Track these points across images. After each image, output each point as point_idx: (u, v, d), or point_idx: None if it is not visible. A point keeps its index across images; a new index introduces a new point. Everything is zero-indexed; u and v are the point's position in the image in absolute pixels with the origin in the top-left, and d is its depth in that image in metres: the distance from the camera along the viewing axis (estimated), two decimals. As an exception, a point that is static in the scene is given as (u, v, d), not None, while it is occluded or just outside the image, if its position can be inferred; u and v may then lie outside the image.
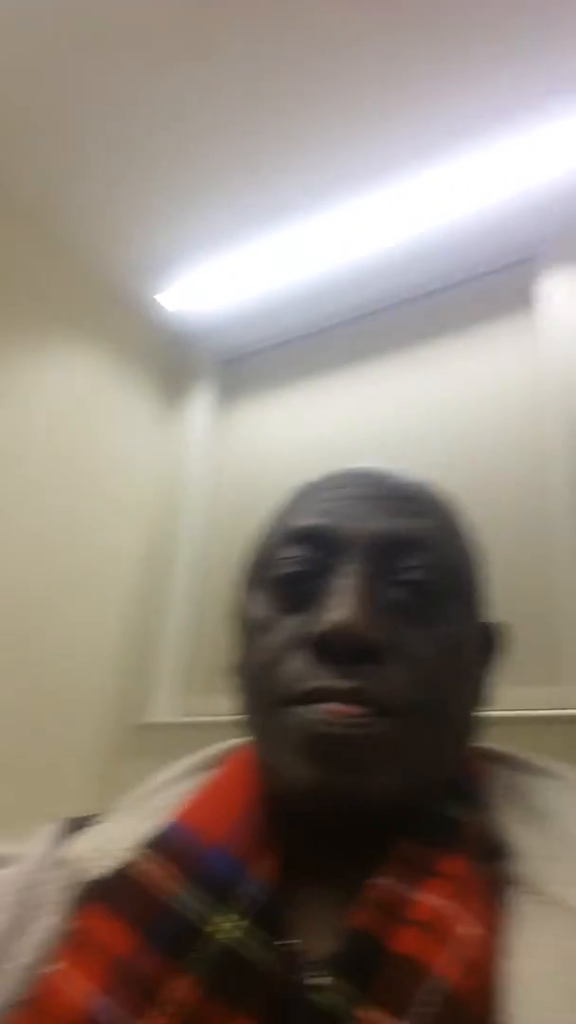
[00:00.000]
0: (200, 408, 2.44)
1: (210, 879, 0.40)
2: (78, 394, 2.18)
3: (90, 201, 2.07)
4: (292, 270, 2.22)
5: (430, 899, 0.38)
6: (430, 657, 0.44)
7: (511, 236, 2.02)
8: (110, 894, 0.40)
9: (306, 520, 0.49)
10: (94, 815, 0.51)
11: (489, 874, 0.41)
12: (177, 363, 2.57)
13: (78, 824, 0.50)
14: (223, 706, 1.83)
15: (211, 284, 2.30)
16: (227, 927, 0.37)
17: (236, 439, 2.38)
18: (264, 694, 0.45)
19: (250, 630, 0.48)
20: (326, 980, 0.35)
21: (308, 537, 0.48)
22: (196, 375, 2.51)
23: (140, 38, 1.63)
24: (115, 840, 0.45)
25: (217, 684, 2.05)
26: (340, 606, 0.42)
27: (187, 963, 0.36)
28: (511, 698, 1.50)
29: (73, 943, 0.38)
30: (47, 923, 0.41)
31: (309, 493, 0.53)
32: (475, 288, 2.11)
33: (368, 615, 0.42)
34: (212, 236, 2.14)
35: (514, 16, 1.52)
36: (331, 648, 0.42)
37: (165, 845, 0.42)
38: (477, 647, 0.50)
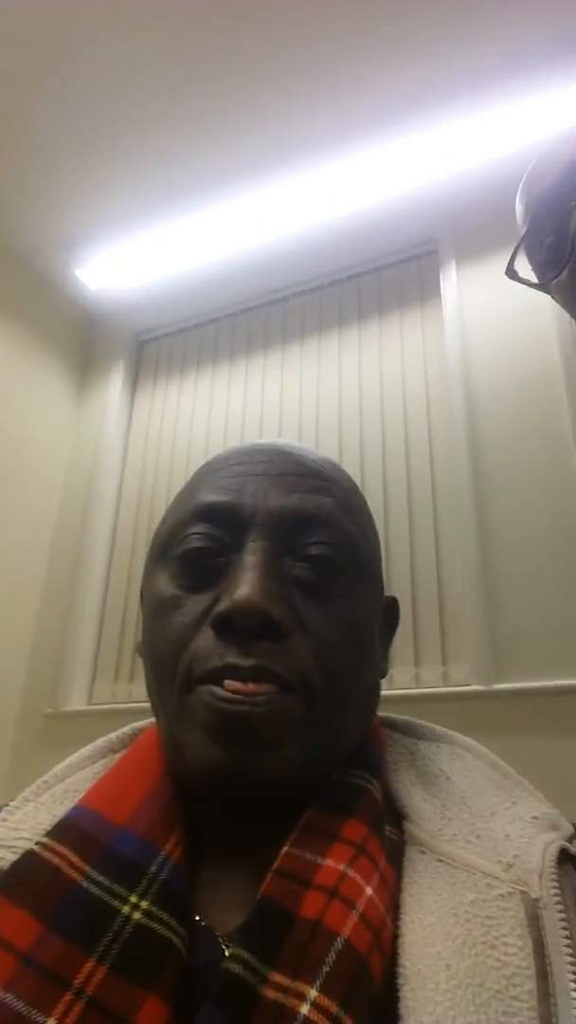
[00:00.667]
0: (114, 388, 2.40)
1: (116, 861, 0.39)
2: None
3: (9, 172, 1.99)
4: (208, 252, 2.21)
5: (334, 864, 0.38)
6: (331, 633, 0.44)
7: (417, 228, 2.07)
8: (12, 885, 0.38)
9: (210, 496, 0.48)
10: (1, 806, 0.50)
11: (389, 836, 0.43)
12: (92, 341, 2.53)
13: None
14: (133, 693, 1.84)
15: (129, 262, 2.26)
16: (135, 907, 0.37)
17: (151, 420, 2.36)
18: (169, 673, 0.44)
19: (156, 608, 0.47)
20: (236, 951, 0.35)
21: (212, 514, 0.47)
22: (111, 354, 2.47)
23: (63, 11, 1.57)
24: (18, 829, 0.45)
25: (126, 672, 2.05)
26: (243, 584, 0.42)
27: (95, 947, 0.35)
28: (409, 677, 1.59)
29: None
30: None
31: (213, 469, 0.52)
32: (383, 277, 2.15)
33: (270, 592, 0.42)
34: (131, 214, 2.11)
35: (426, 10, 1.55)
36: (234, 626, 0.42)
37: (69, 830, 0.41)
38: (377, 621, 0.51)
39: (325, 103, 1.77)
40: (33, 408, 2.26)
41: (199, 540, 0.47)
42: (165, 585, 0.47)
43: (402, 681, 1.60)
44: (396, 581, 1.70)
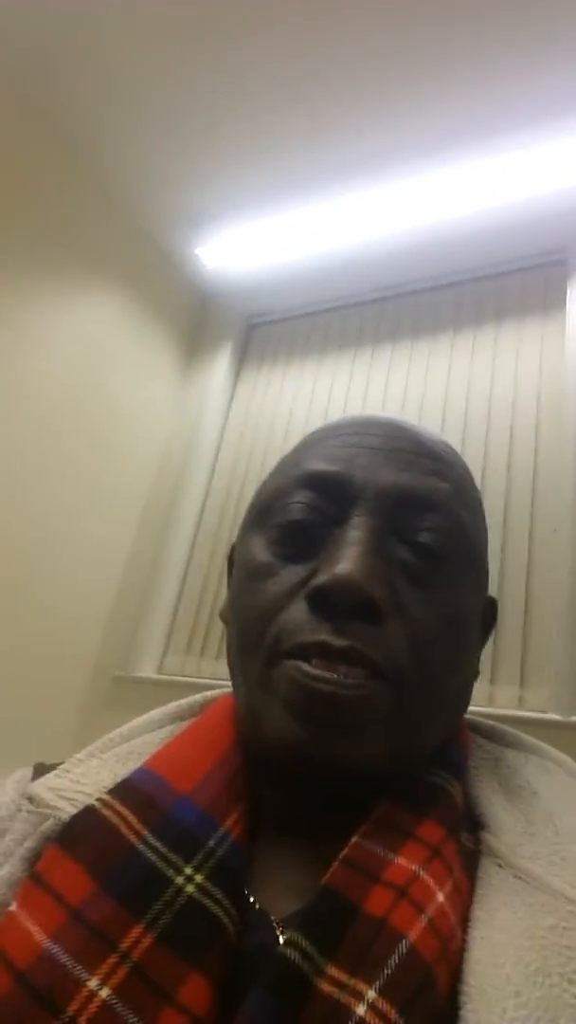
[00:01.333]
0: (220, 368, 2.42)
1: (175, 829, 0.38)
2: (103, 338, 2.16)
3: (141, 148, 2.04)
4: (327, 242, 2.19)
5: (406, 863, 0.37)
6: (431, 623, 0.42)
7: (546, 236, 2.00)
8: (71, 838, 0.38)
9: (318, 465, 0.46)
10: (64, 761, 0.49)
11: (465, 843, 0.41)
12: (205, 320, 2.56)
13: (48, 769, 0.48)
14: (203, 669, 1.86)
15: (248, 246, 2.27)
16: (188, 879, 0.36)
17: (252, 404, 2.37)
18: (256, 642, 0.43)
19: (249, 573, 0.45)
20: (293, 936, 0.33)
21: (318, 483, 0.45)
22: (221, 335, 2.49)
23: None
24: (80, 783, 0.44)
25: (197, 647, 2.07)
26: (344, 559, 0.40)
27: (145, 913, 0.34)
28: (483, 695, 1.54)
29: (29, 887, 0.37)
30: (11, 867, 0.40)
31: (324, 437, 0.49)
32: (506, 283, 2.08)
33: (372, 572, 0.40)
34: (255, 198, 2.12)
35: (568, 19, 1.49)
36: (330, 602, 0.40)
37: (132, 791, 0.40)
38: (477, 618, 0.49)
39: (464, 100, 1.72)
40: (140, 378, 2.30)
41: (301, 510, 0.45)
42: (261, 551, 0.46)
43: (475, 699, 1.54)
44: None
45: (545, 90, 1.65)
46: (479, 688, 1.55)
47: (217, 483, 2.26)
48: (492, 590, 1.72)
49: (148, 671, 2.00)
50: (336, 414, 2.13)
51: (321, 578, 0.40)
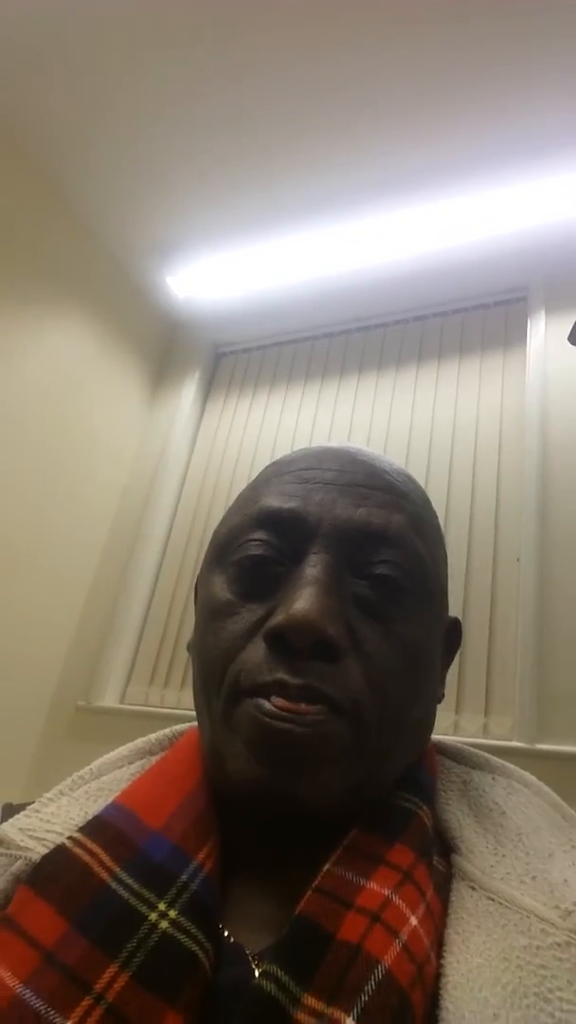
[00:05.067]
0: (187, 396, 2.43)
1: (147, 865, 0.38)
2: (71, 365, 2.16)
3: (114, 178, 2.07)
4: (296, 274, 2.23)
5: (378, 888, 0.36)
6: (388, 658, 0.42)
7: (509, 274, 2.06)
8: (42, 879, 0.38)
9: (274, 502, 0.46)
10: (34, 801, 0.48)
11: (437, 866, 0.41)
12: (173, 348, 2.58)
13: (16, 810, 0.47)
14: (165, 699, 1.84)
15: (218, 276, 2.30)
16: (162, 915, 0.35)
17: (218, 433, 2.37)
18: (218, 681, 0.42)
19: (210, 612, 0.45)
20: (269, 968, 0.33)
21: (274, 521, 0.45)
22: (189, 363, 2.51)
23: (177, 19, 1.63)
24: (50, 822, 0.44)
25: (161, 677, 2.05)
26: (300, 599, 0.40)
27: (119, 952, 0.34)
28: (447, 723, 1.54)
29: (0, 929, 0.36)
30: None
31: (279, 472, 0.50)
32: (469, 319, 2.14)
33: (328, 611, 0.40)
34: (226, 229, 2.15)
35: (535, 64, 1.55)
36: (288, 642, 0.40)
37: (103, 828, 0.40)
38: (438, 646, 0.49)
39: (433, 141, 1.79)
40: (106, 405, 2.30)
41: (259, 548, 0.45)
42: (220, 589, 0.46)
43: (439, 727, 1.55)
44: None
45: (512, 133, 1.72)
46: (444, 717, 1.56)
47: (183, 511, 2.26)
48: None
49: (111, 701, 1.97)
50: (301, 445, 2.15)
51: (277, 618, 0.40)
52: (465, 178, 1.84)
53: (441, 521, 1.95)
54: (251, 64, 1.69)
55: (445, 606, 0.51)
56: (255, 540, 0.45)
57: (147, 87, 1.79)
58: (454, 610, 1.69)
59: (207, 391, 2.50)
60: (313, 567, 0.42)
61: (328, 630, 0.40)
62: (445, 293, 2.17)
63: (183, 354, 2.54)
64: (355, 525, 0.44)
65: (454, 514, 1.81)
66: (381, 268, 2.15)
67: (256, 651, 0.41)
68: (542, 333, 1.94)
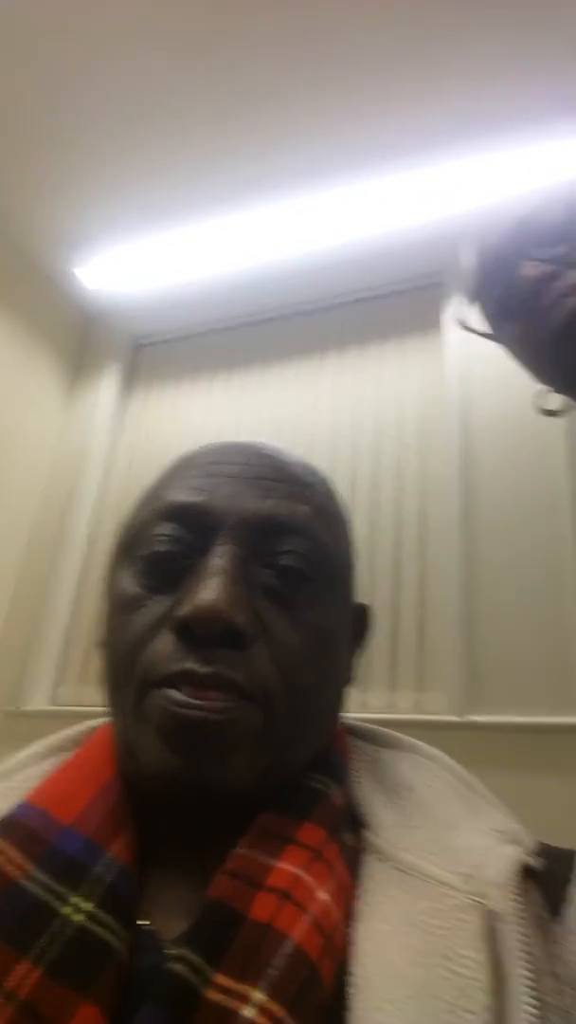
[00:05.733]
0: (106, 390, 2.39)
1: (60, 859, 0.38)
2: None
3: (16, 165, 1.99)
4: (214, 264, 2.21)
5: (288, 867, 0.38)
6: (296, 644, 0.43)
7: (424, 259, 2.10)
8: None
9: (179, 496, 0.47)
10: None
11: (347, 842, 0.42)
12: (89, 342, 2.52)
13: None
14: (99, 697, 1.80)
15: (130, 266, 2.25)
16: (76, 909, 0.36)
17: (142, 426, 2.34)
18: (127, 674, 0.43)
19: (118, 607, 0.46)
20: (180, 952, 0.34)
21: (180, 515, 0.46)
22: (107, 356, 2.46)
23: (80, 10, 1.58)
24: None
25: (93, 675, 2.01)
26: (206, 589, 0.41)
27: (31, 947, 0.34)
28: (383, 702, 1.58)
29: None
30: None
31: (185, 467, 0.51)
32: (387, 305, 2.17)
33: (235, 599, 0.41)
34: (136, 218, 2.11)
35: (450, 52, 1.58)
36: (195, 632, 0.41)
37: (13, 827, 0.40)
38: (345, 631, 0.51)
39: (346, 127, 1.80)
40: (21, 401, 2.23)
41: (165, 542, 0.45)
42: (128, 584, 0.46)
43: (376, 706, 1.59)
44: (378, 606, 1.69)
45: (425, 119, 1.74)
46: (379, 695, 1.60)
47: (108, 507, 2.21)
48: (388, 604, 1.77)
49: (41, 703, 1.92)
50: (227, 435, 2.14)
51: (184, 608, 0.41)
52: (380, 164, 1.86)
53: (368, 505, 1.99)
54: (159, 46, 1.66)
55: (353, 593, 0.53)
56: (161, 535, 0.46)
57: (47, 71, 1.73)
58: (387, 596, 1.73)
59: (129, 384, 2.45)
60: (219, 558, 0.43)
61: (235, 618, 0.41)
62: (364, 279, 2.19)
63: (101, 347, 2.49)
64: (260, 516, 0.45)
65: (382, 497, 1.84)
66: (300, 256, 2.15)
67: (164, 642, 0.42)
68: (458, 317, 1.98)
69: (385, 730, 0.54)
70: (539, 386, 0.77)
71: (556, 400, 0.78)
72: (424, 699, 1.58)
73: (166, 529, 0.46)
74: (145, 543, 0.47)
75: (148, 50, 1.67)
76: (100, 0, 1.57)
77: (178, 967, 0.33)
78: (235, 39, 1.62)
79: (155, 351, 2.49)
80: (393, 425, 1.95)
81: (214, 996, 0.32)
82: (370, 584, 1.74)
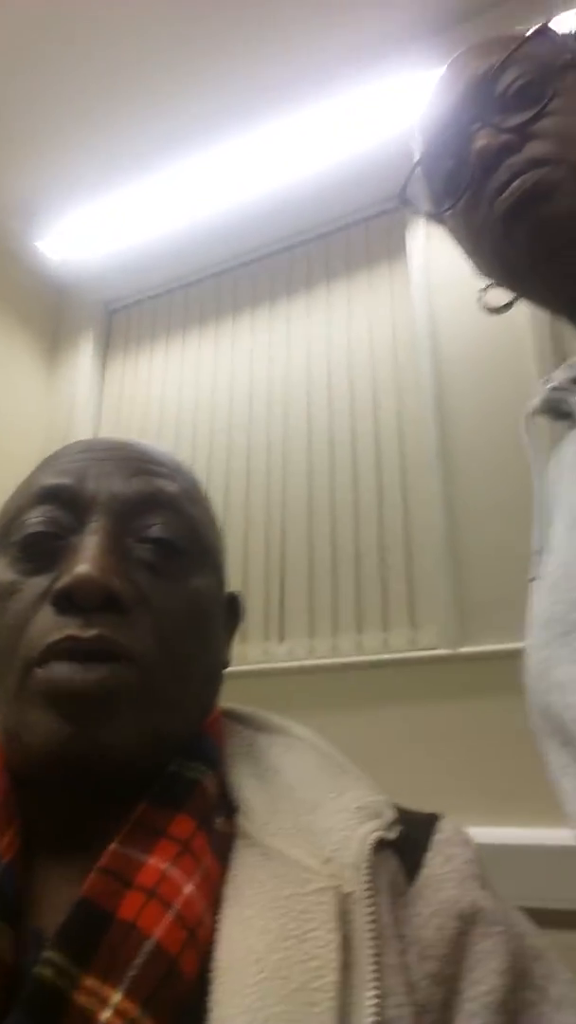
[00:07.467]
0: (84, 358, 2.37)
1: None
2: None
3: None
4: (172, 217, 2.15)
5: (156, 863, 0.38)
6: (174, 609, 0.45)
7: (384, 183, 2.01)
8: None
9: (51, 480, 0.48)
10: None
11: (221, 829, 0.43)
12: (62, 312, 2.49)
13: None
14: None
15: (92, 231, 2.21)
16: None
17: (123, 390, 2.33)
18: (8, 661, 0.43)
19: None
20: (49, 954, 0.34)
21: (52, 496, 0.47)
22: (81, 325, 2.43)
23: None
24: None
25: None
26: (82, 561, 0.42)
27: None
28: (378, 642, 1.59)
29: None
30: None
31: (56, 457, 0.52)
32: (351, 235, 2.10)
33: (111, 567, 0.42)
34: (89, 181, 2.06)
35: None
36: (75, 600, 0.42)
37: None
38: (220, 611, 0.52)
39: (284, 55, 1.72)
40: (3, 379, 2.22)
41: (39, 524, 0.46)
42: (3, 572, 0.46)
43: (372, 647, 1.60)
44: (365, 546, 1.70)
45: (367, 37, 1.65)
46: (373, 636, 1.61)
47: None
48: (372, 543, 1.76)
49: None
50: (206, 389, 2.13)
51: (62, 580, 0.42)
52: (323, 90, 1.78)
53: (348, 448, 1.95)
54: (90, 11, 1.58)
55: (224, 579, 0.54)
56: (35, 518, 0.47)
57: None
58: (371, 536, 1.72)
59: (105, 350, 2.43)
60: (93, 534, 0.44)
61: (112, 583, 0.42)
62: (325, 212, 2.11)
63: (74, 317, 2.46)
64: (130, 493, 0.47)
65: (362, 438, 1.82)
66: (258, 198, 2.07)
67: (44, 617, 0.43)
68: (422, 238, 1.90)
69: (261, 712, 0.55)
70: (484, 280, 0.70)
71: (499, 295, 0.72)
72: (418, 635, 1.59)
73: (39, 512, 0.47)
74: (19, 529, 0.47)
75: (84, 5, 1.59)
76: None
77: (45, 971, 0.33)
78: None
79: (128, 313, 2.45)
80: (368, 360, 1.90)
81: (80, 999, 0.33)
82: (355, 527, 1.74)
